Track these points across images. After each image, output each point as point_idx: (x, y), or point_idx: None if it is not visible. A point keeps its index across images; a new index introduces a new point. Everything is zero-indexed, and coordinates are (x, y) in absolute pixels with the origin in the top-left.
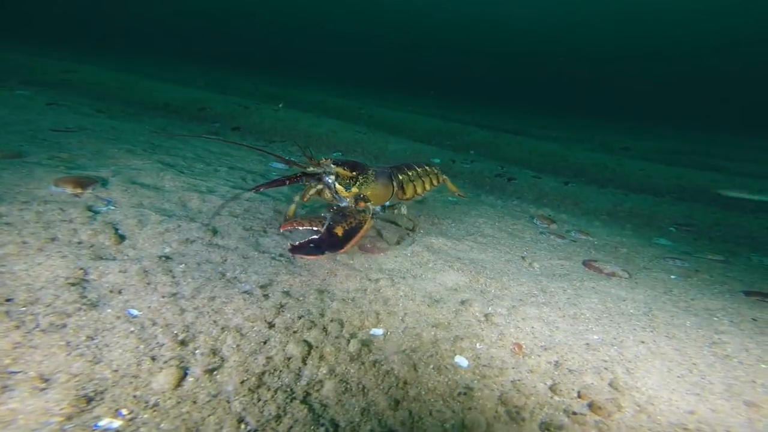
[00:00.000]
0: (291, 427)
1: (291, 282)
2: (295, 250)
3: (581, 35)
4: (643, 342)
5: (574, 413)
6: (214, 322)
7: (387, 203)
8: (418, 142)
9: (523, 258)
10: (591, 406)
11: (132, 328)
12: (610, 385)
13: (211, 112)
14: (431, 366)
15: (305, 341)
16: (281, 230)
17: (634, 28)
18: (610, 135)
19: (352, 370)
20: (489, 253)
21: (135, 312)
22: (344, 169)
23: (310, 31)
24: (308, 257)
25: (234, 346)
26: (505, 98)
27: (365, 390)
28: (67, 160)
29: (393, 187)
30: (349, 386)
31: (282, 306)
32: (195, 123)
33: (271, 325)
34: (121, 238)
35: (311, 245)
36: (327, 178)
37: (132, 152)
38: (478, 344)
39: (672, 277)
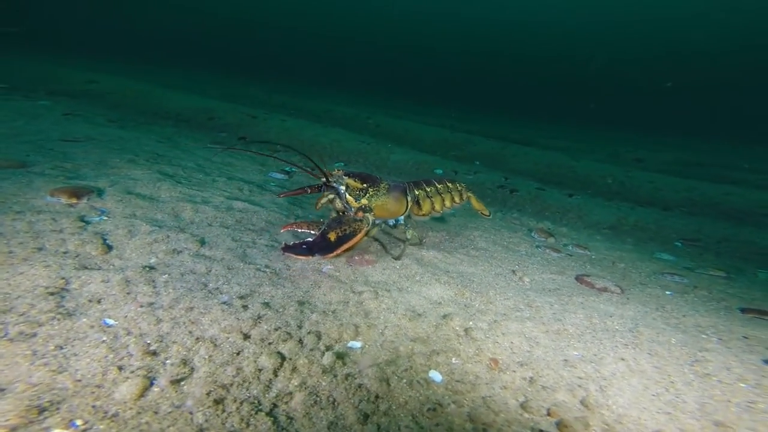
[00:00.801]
0: None
1: (273, 293)
2: (287, 249)
3: (596, 41)
4: (623, 359)
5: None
6: (189, 332)
7: (401, 218)
8: (423, 152)
9: (513, 272)
10: (559, 424)
11: (104, 338)
12: (582, 402)
13: (219, 121)
14: (404, 380)
15: (279, 353)
16: (282, 231)
17: (652, 32)
18: (624, 145)
19: (323, 383)
20: (479, 266)
21: (110, 321)
22: (355, 181)
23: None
24: (298, 257)
25: (206, 356)
26: (518, 107)
27: (335, 403)
28: (69, 170)
29: (407, 202)
30: (318, 399)
31: (260, 317)
32: (202, 132)
33: (246, 336)
34: (109, 247)
35: (303, 246)
36: (339, 189)
37: (134, 162)
38: (454, 359)
39: (667, 293)
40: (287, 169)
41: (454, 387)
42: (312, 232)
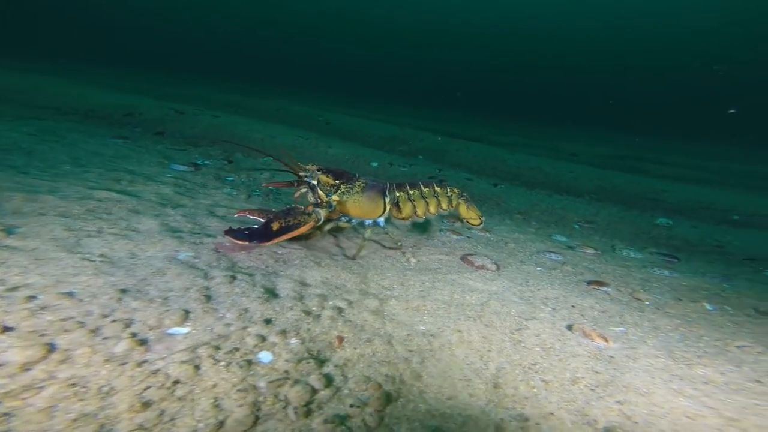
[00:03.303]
0: None
1: (89, 283)
2: (228, 232)
3: (571, 46)
4: (459, 331)
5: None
6: None
7: (381, 220)
8: (369, 147)
9: (403, 253)
10: (371, 398)
11: None
12: (400, 377)
13: (138, 117)
14: (222, 363)
15: (49, 344)
16: (236, 215)
17: (617, 44)
18: (568, 142)
19: (103, 372)
20: (370, 249)
21: None
22: (328, 177)
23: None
24: (236, 241)
25: None
26: (486, 108)
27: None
28: None
29: (384, 203)
30: (81, 390)
31: (45, 308)
32: (112, 128)
33: (5, 329)
34: None
35: (245, 232)
36: (311, 183)
37: None
38: (293, 339)
39: (538, 269)
40: (198, 161)
41: (282, 367)
42: (261, 219)
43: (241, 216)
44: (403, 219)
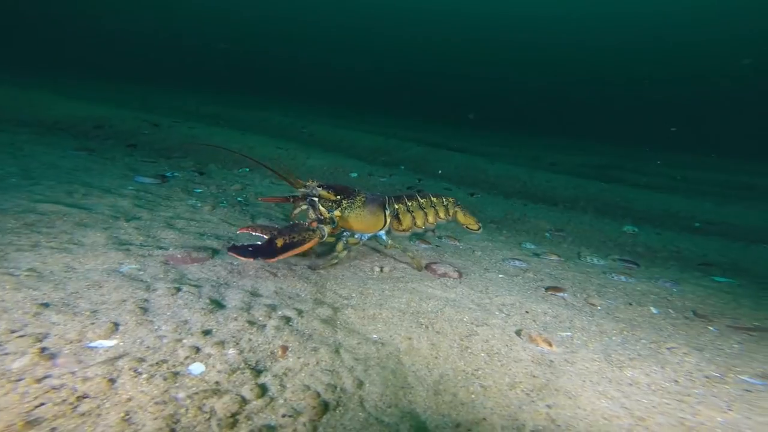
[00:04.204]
0: None
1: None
2: (232, 249)
3: (560, 57)
4: (409, 338)
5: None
6: None
7: (382, 233)
8: (352, 158)
9: (370, 263)
10: (307, 407)
11: None
12: (341, 387)
13: (109, 129)
14: (144, 376)
15: None
16: (239, 232)
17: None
18: (547, 151)
19: None
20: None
21: None
22: (329, 192)
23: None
24: (240, 258)
25: None
26: (476, 118)
27: None
28: None
29: (385, 216)
30: None
31: None
32: (80, 140)
33: None
34: None
35: (249, 249)
36: (312, 200)
37: None
38: (231, 350)
39: (500, 276)
40: (167, 173)
41: (212, 378)
42: (265, 236)
43: (245, 232)
44: (403, 231)
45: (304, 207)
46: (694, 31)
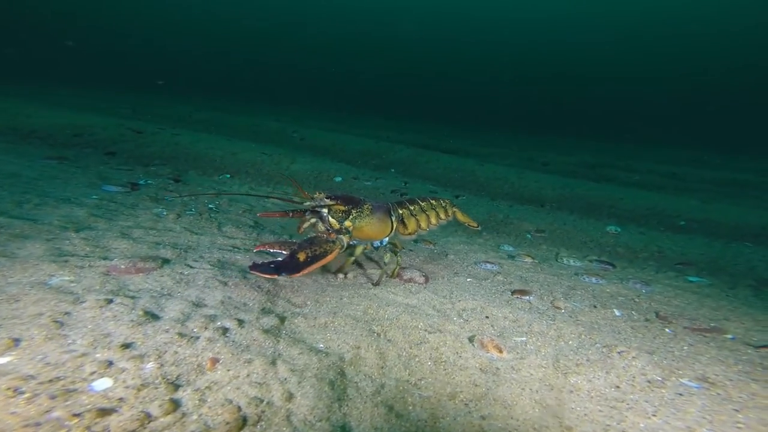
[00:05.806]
0: None
1: None
2: (254, 268)
3: (557, 56)
4: (357, 347)
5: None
6: None
7: (385, 239)
8: (340, 162)
9: (335, 271)
10: (243, 418)
11: None
12: (268, 401)
13: (89, 137)
14: (35, 394)
15: None
16: (255, 250)
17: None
18: (541, 150)
19: None
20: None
21: None
22: (337, 203)
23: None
24: (264, 276)
25: None
26: (474, 120)
27: None
28: None
29: (392, 222)
30: None
31: None
32: (45, 148)
33: None
34: None
35: (271, 265)
36: (321, 212)
37: None
38: (149, 364)
39: (468, 280)
40: (140, 181)
41: (117, 395)
42: (284, 252)
43: (261, 250)
44: (409, 235)
45: (313, 220)
46: (693, 30)
